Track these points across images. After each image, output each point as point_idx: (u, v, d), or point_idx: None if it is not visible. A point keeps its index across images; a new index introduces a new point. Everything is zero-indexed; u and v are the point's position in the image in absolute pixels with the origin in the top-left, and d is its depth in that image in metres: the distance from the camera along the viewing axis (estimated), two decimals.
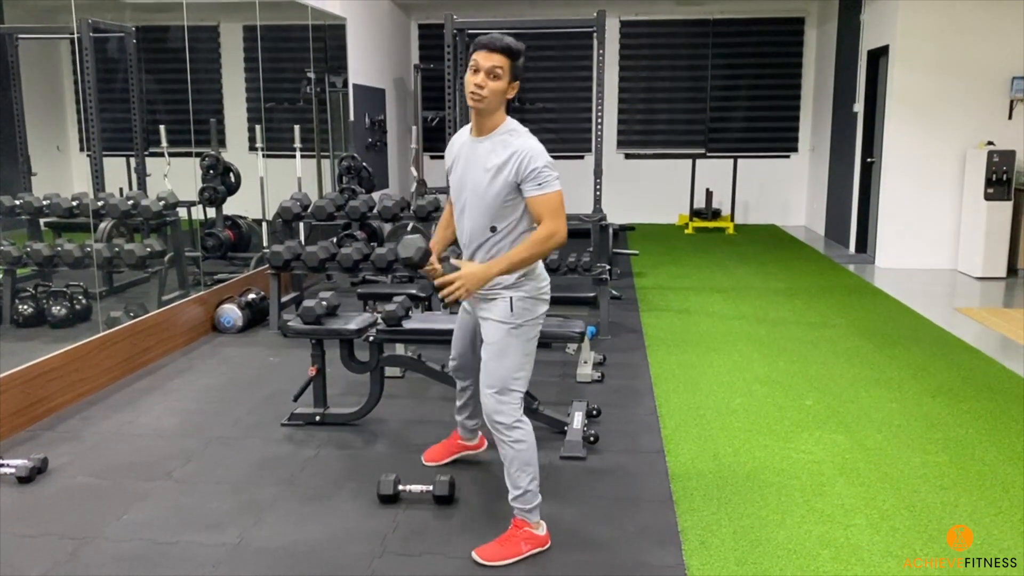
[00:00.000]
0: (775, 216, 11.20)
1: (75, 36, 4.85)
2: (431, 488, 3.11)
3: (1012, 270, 7.54)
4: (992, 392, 4.40)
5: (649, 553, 2.78)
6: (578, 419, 3.72)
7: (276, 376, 4.68)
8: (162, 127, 5.92)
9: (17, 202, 5.01)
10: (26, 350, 4.36)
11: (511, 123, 2.65)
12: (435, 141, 10.26)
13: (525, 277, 2.68)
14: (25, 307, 4.96)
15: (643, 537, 2.88)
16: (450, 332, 3.87)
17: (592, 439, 3.65)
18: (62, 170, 5.72)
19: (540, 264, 2.75)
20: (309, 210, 5.68)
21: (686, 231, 10.50)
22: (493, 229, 2.64)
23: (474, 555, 2.72)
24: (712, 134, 11.11)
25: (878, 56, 8.33)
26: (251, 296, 5.81)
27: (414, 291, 5.17)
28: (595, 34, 5.81)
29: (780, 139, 11.09)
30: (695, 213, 10.64)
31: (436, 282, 2.61)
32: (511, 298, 2.66)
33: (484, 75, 2.55)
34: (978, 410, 4.14)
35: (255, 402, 4.27)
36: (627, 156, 11.30)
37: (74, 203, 5.00)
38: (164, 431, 3.88)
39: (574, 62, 10.96)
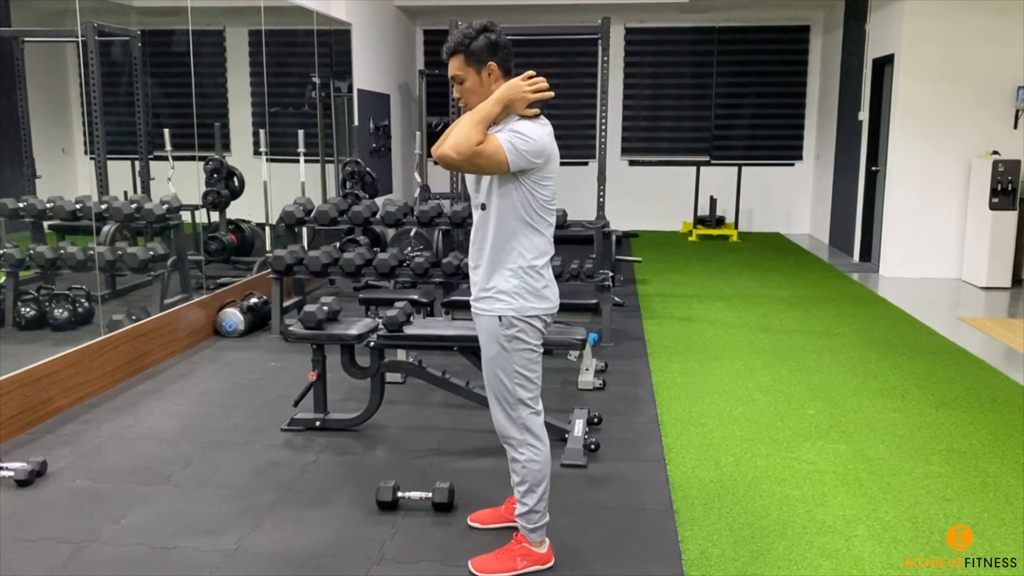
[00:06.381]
0: (779, 224, 11.19)
1: (80, 39, 4.86)
2: (430, 495, 3.10)
3: (1017, 280, 7.52)
4: (996, 403, 4.38)
5: (649, 563, 2.76)
6: (579, 426, 3.70)
7: (277, 381, 4.67)
8: (166, 131, 5.93)
9: (21, 204, 5.02)
10: (28, 352, 4.37)
11: (515, 120, 2.49)
12: None
13: (518, 281, 2.53)
14: (27, 309, 4.97)
15: (643, 546, 2.87)
16: (451, 338, 3.88)
17: (593, 447, 3.63)
18: (66, 173, 5.73)
19: (533, 261, 2.55)
20: (312, 215, 5.68)
21: (690, 238, 10.49)
22: (483, 207, 2.57)
23: (470, 565, 2.71)
24: (717, 141, 11.11)
25: (883, 65, 8.32)
26: (253, 300, 5.81)
27: (416, 296, 5.17)
28: (600, 41, 5.81)
29: (785, 147, 11.08)
30: (699, 220, 10.63)
31: None
32: (499, 316, 2.54)
33: (456, 86, 2.56)
34: (981, 421, 4.11)
35: (255, 407, 4.26)
36: (631, 163, 11.30)
37: (77, 206, 5.01)
38: (164, 435, 3.88)
39: (579, 69, 10.97)
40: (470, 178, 2.64)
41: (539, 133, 2.46)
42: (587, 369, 4.53)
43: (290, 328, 3.89)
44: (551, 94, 2.50)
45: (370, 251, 5.66)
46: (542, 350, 2.66)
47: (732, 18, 10.76)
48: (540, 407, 2.67)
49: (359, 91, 8.46)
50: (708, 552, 2.84)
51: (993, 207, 7.35)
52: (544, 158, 2.48)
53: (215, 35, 7.02)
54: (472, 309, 2.65)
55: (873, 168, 8.58)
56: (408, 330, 3.87)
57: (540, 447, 2.65)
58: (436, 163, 2.48)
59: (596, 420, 3.95)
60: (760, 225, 11.17)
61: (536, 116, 2.51)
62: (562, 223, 5.68)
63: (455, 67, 2.53)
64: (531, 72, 2.51)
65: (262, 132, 6.87)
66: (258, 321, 5.74)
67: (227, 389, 4.56)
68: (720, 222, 10.65)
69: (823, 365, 5.04)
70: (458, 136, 2.40)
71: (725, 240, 10.37)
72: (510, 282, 2.54)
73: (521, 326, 2.56)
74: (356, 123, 8.37)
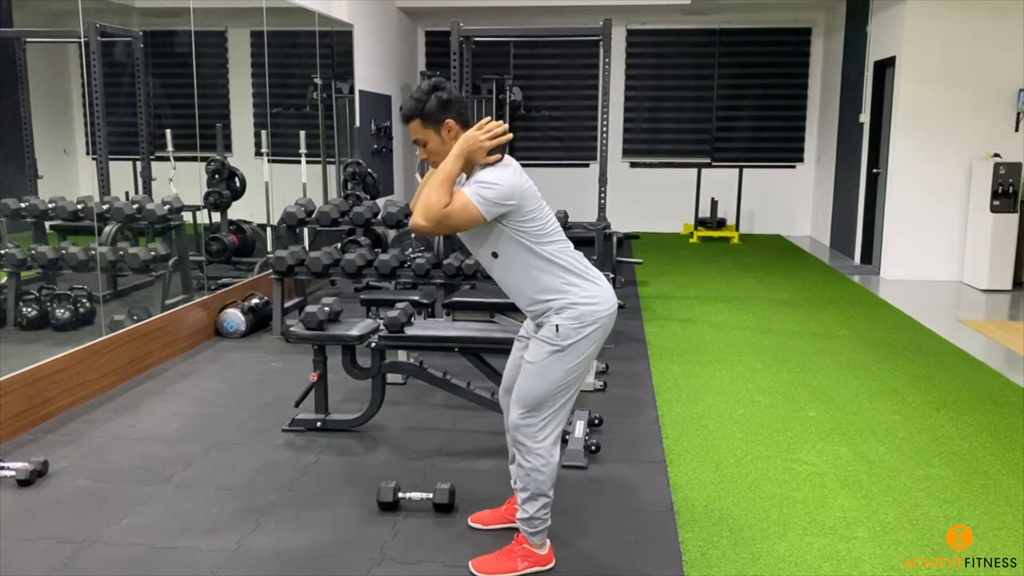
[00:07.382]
0: (780, 226, 11.19)
1: (83, 40, 4.86)
2: (431, 496, 3.10)
3: (1018, 282, 7.51)
4: (996, 405, 4.38)
5: (649, 564, 2.76)
6: (580, 428, 3.71)
7: (278, 381, 4.67)
8: (168, 131, 5.94)
9: (23, 205, 5.02)
10: (29, 353, 4.37)
11: (479, 170, 2.53)
12: None
13: (574, 305, 2.56)
14: (29, 310, 4.97)
15: (643, 548, 2.87)
16: (452, 339, 3.88)
17: (594, 448, 3.63)
18: (68, 173, 5.74)
19: (591, 288, 2.60)
20: (313, 215, 5.67)
21: (691, 240, 10.49)
22: (495, 255, 2.60)
23: (471, 566, 2.71)
24: (718, 143, 11.11)
25: (885, 67, 8.33)
26: (254, 301, 5.81)
27: (417, 297, 5.17)
28: (601, 43, 5.82)
29: (786, 149, 11.09)
30: (700, 222, 10.63)
31: None
32: (556, 325, 2.56)
33: (421, 149, 2.61)
34: (982, 423, 4.12)
35: (256, 407, 4.26)
36: (632, 165, 11.30)
37: (79, 206, 5.01)
38: (165, 435, 3.88)
39: (580, 71, 10.98)
40: (463, 235, 2.65)
41: (503, 177, 2.47)
42: (588, 370, 4.53)
43: (291, 329, 3.89)
44: (509, 137, 2.53)
45: (371, 252, 5.66)
46: (583, 376, 2.64)
47: (733, 20, 10.77)
48: (558, 422, 2.65)
49: (360, 92, 8.46)
50: (708, 553, 2.84)
51: (994, 210, 7.35)
52: (516, 197, 2.48)
53: (217, 36, 7.04)
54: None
55: (874, 170, 8.58)
56: (409, 331, 3.87)
57: (548, 459, 2.63)
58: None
59: (597, 421, 3.95)
60: (761, 227, 11.17)
61: (498, 161, 2.53)
62: (563, 224, 5.68)
63: (415, 131, 2.58)
64: (486, 119, 2.54)
65: (264, 133, 6.88)
66: (259, 322, 5.75)
67: (228, 390, 4.56)
68: (721, 224, 10.66)
69: (824, 367, 5.05)
70: (426, 203, 2.43)
71: (726, 242, 10.37)
72: (557, 301, 2.56)
73: (581, 335, 2.55)
74: (357, 124, 8.37)
